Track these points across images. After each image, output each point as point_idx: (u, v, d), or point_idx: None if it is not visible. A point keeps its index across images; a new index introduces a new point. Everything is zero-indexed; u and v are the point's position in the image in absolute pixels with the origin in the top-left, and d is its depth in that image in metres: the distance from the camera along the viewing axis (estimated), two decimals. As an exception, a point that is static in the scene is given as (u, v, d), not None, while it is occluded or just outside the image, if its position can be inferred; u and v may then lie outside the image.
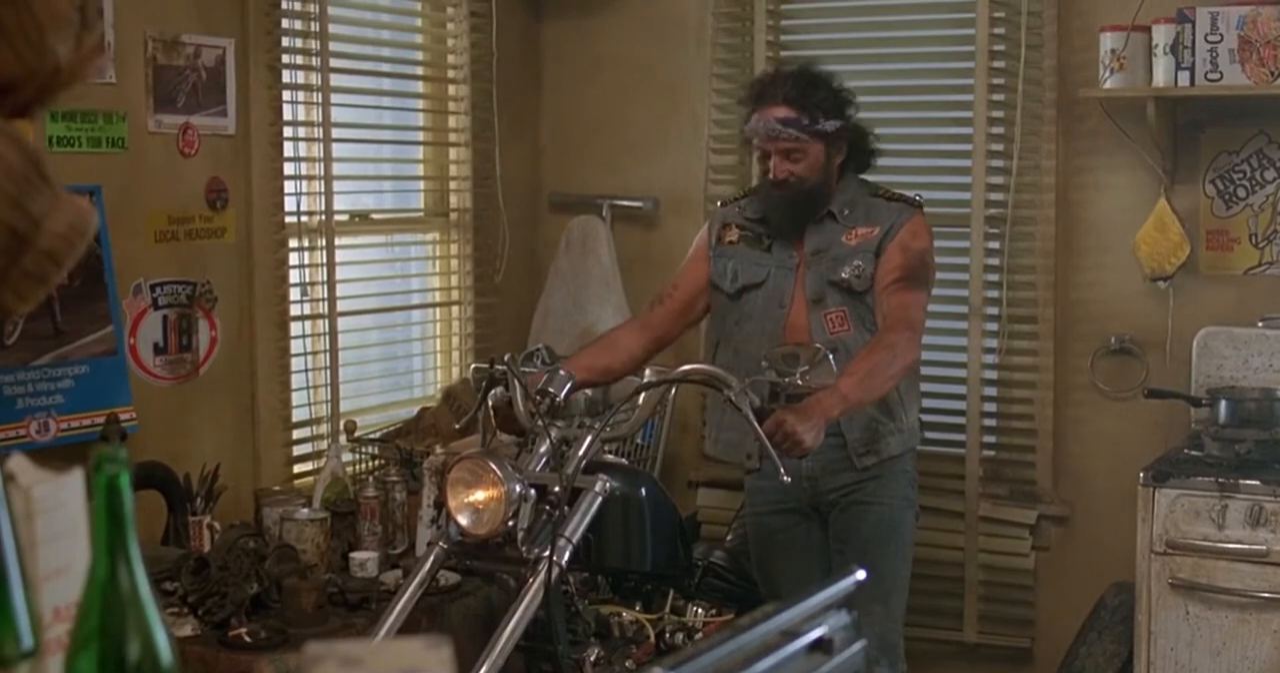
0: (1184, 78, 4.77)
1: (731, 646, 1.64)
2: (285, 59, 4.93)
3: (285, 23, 4.91)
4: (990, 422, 5.37)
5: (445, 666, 1.19)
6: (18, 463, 1.41)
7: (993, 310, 5.34)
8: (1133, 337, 5.17)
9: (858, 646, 1.84)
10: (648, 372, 3.89)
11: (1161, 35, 4.81)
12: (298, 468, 5.06)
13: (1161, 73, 4.82)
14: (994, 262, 5.32)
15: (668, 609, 3.96)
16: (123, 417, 4.26)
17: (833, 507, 4.23)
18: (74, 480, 1.43)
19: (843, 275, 4.14)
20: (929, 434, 5.12)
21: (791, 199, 4.18)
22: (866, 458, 4.17)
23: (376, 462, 5.01)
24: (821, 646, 1.78)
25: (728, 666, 1.62)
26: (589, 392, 4.11)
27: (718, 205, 4.62)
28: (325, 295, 5.10)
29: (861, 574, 1.96)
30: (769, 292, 4.25)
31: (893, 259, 4.12)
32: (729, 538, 4.57)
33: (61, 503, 1.43)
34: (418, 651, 1.24)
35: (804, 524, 4.28)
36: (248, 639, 3.76)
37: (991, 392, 5.35)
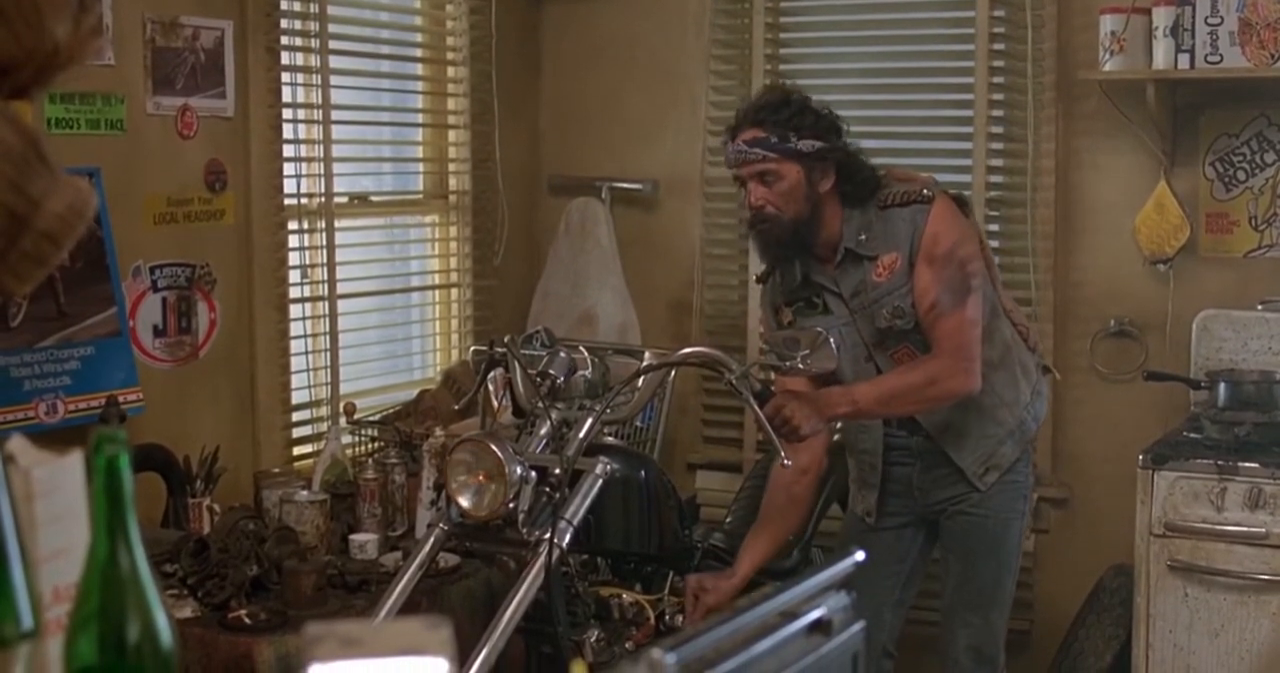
0: (1184, 60, 4.77)
1: (730, 627, 1.64)
2: (284, 41, 4.93)
3: (284, 4, 4.91)
4: (990, 404, 5.38)
5: (444, 646, 1.19)
6: (17, 444, 1.41)
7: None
8: (1132, 319, 5.17)
9: (857, 627, 1.84)
10: (647, 354, 3.89)
11: (1161, 17, 4.80)
12: (297, 450, 5.07)
13: (1161, 55, 4.81)
14: (995, 244, 5.30)
15: (667, 591, 3.97)
16: (129, 397, 4.27)
17: (940, 514, 4.09)
18: (73, 462, 1.43)
19: (884, 323, 3.89)
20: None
21: (776, 236, 3.89)
22: (988, 476, 4.01)
23: (376, 444, 5.01)
24: (820, 626, 1.78)
25: (727, 647, 1.63)
26: (587, 373, 4.09)
27: (755, 282, 4.37)
28: (325, 278, 5.11)
29: (860, 555, 1.96)
30: (847, 350, 3.96)
31: (922, 279, 3.84)
32: (728, 520, 4.58)
33: (61, 485, 1.43)
34: (417, 631, 1.24)
35: (902, 531, 4.17)
36: (247, 621, 3.77)
37: (991, 374, 5.35)
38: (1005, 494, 4.04)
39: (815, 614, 1.78)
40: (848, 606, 1.84)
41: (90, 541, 1.30)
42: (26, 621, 1.30)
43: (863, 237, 3.88)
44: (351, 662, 1.17)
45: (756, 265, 5.64)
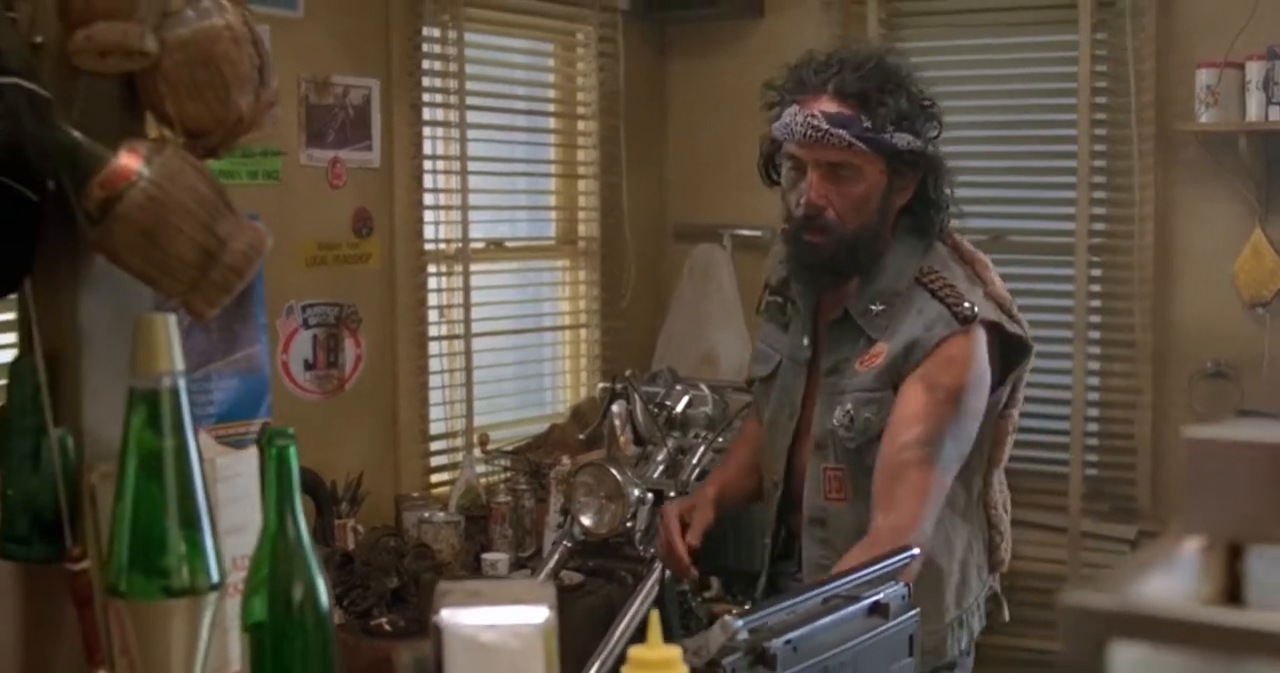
0: (1275, 112, 4.95)
1: (793, 602, 1.92)
2: (426, 97, 5.22)
3: (426, 64, 5.20)
4: (1092, 441, 5.53)
5: (548, 598, 1.47)
6: (203, 439, 1.71)
7: (1095, 335, 5.51)
8: (1228, 361, 5.32)
9: (912, 613, 2.10)
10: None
11: (1254, 71, 4.99)
12: (435, 477, 5.30)
13: (1254, 107, 5.00)
14: (1096, 288, 5.50)
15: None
16: (263, 430, 4.54)
17: None
18: (249, 454, 1.74)
19: (830, 425, 2.80)
20: (1032, 453, 5.30)
21: (824, 252, 2.78)
22: None
23: (507, 473, 5.25)
24: (879, 609, 2.03)
25: (792, 621, 1.90)
26: (708, 409, 4.30)
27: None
28: (461, 318, 5.37)
29: (916, 551, 2.23)
30: (779, 391, 2.99)
31: (911, 403, 2.70)
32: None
33: (239, 472, 1.74)
34: (528, 588, 1.53)
35: None
36: (388, 628, 4.08)
37: (1094, 412, 5.52)
38: None
39: (874, 598, 2.04)
40: (905, 594, 2.10)
41: (262, 517, 1.57)
42: (214, 575, 1.58)
43: (876, 308, 2.80)
44: (474, 608, 1.46)
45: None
